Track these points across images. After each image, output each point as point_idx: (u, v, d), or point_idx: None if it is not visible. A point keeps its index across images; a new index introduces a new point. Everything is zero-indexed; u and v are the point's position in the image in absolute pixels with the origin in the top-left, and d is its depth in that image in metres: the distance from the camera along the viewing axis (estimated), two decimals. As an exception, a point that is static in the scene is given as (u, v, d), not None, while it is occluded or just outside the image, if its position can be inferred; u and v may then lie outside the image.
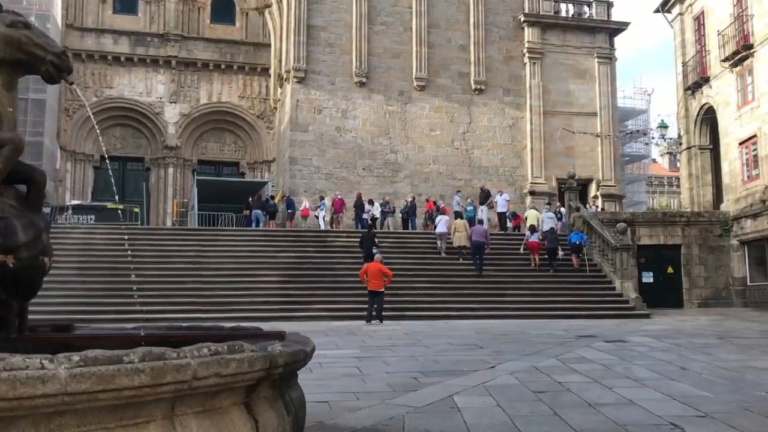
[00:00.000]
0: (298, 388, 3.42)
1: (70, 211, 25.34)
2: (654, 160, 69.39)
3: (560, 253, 22.79)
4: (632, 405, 7.07)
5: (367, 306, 16.89)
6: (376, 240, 21.83)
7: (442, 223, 23.57)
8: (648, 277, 24.98)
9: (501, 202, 26.10)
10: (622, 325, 16.98)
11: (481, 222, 23.37)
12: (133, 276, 19.52)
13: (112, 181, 36.61)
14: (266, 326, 14.89)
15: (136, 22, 36.38)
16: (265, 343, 2.92)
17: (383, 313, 16.94)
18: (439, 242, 23.36)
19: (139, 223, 27.00)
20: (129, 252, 20.98)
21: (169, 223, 33.55)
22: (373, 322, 16.59)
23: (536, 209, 25.49)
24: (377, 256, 17.41)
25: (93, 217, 25.51)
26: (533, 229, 23.16)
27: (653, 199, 70.01)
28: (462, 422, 6.33)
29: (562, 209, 26.46)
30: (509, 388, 8.03)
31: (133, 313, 17.42)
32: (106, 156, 35.40)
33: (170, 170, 36.16)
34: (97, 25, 35.53)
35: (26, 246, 3.35)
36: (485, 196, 27.54)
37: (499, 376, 8.98)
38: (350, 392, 7.90)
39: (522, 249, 23.44)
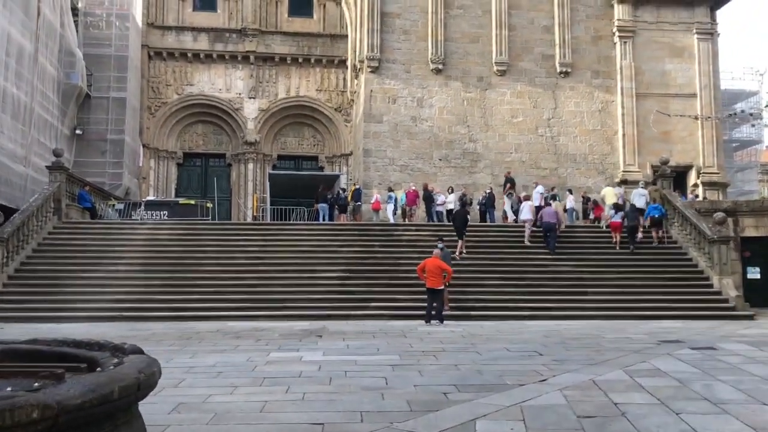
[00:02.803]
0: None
1: (142, 208, 25.28)
2: (768, 146, 64.02)
3: (640, 234, 21.73)
4: (698, 440, 5.54)
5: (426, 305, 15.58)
6: (468, 218, 21.40)
7: (526, 209, 22.25)
8: (754, 273, 22.28)
9: (535, 196, 23.76)
10: (717, 328, 14.94)
11: (552, 206, 22.22)
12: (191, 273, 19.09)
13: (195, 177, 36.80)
14: (321, 324, 13.75)
15: (215, 19, 36.42)
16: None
17: (444, 313, 15.60)
18: (526, 230, 21.94)
19: (210, 218, 26.67)
20: (192, 248, 20.57)
21: (249, 219, 33.38)
22: (432, 322, 15.28)
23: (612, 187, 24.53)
24: (436, 252, 16.03)
25: (166, 212, 25.35)
26: (617, 207, 22.38)
27: (767, 188, 64.36)
28: (469, 459, 5.04)
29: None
30: (549, 411, 6.63)
31: (189, 311, 16.96)
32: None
33: (250, 166, 36.06)
34: (177, 23, 35.79)
35: None
36: (507, 184, 25.58)
37: (545, 392, 7.58)
38: (358, 411, 6.74)
39: (603, 226, 23.14)
